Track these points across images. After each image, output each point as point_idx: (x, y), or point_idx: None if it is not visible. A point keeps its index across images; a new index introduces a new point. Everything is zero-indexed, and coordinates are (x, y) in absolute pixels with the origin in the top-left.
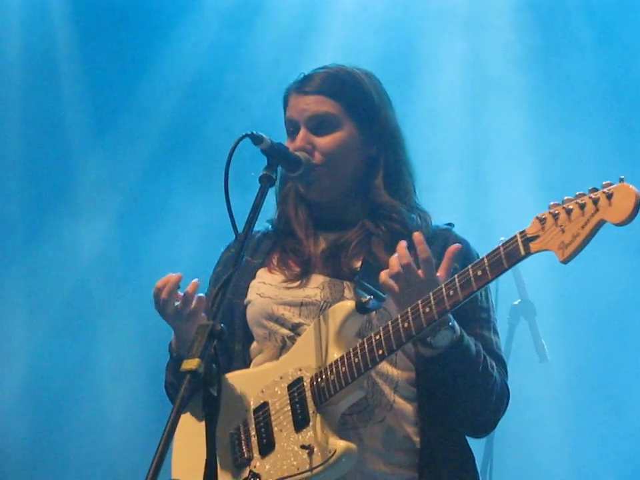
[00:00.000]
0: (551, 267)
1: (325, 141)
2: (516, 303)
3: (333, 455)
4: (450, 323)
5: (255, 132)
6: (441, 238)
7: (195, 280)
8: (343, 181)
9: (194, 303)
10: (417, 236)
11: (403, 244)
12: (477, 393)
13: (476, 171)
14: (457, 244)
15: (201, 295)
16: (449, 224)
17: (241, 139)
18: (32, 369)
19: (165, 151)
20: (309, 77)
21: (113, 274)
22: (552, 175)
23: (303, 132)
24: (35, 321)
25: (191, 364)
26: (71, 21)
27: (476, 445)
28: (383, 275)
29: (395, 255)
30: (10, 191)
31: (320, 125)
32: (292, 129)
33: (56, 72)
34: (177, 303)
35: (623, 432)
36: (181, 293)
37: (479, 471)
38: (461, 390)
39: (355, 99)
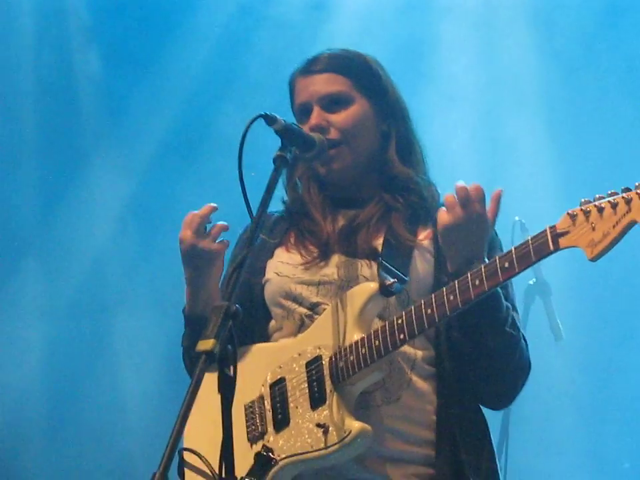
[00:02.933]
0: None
1: (340, 117)
2: (531, 282)
3: (347, 435)
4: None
5: (267, 112)
6: None
7: (223, 222)
8: (361, 156)
9: (217, 241)
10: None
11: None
12: (503, 344)
13: (491, 152)
14: (499, 188)
15: (225, 240)
16: None
17: (254, 120)
18: (48, 355)
19: (176, 143)
20: (314, 58)
21: (127, 258)
22: (571, 169)
23: (316, 110)
24: (50, 306)
25: (206, 344)
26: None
27: (492, 425)
28: (449, 197)
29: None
30: (26, 179)
31: (333, 102)
32: (304, 112)
33: (70, 69)
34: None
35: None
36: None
37: (495, 450)
38: (489, 338)
39: (364, 74)
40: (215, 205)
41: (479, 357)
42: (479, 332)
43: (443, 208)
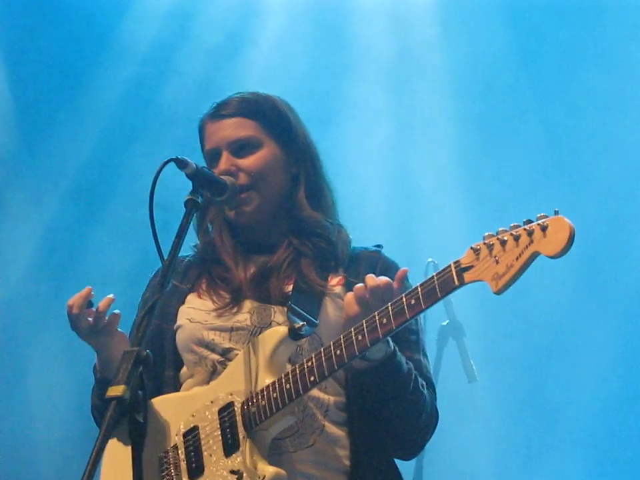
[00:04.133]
0: (478, 287)
1: (248, 162)
2: (444, 323)
3: None
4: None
5: (179, 156)
6: (369, 259)
7: (110, 295)
8: (270, 199)
9: (106, 318)
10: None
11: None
12: (407, 410)
13: (404, 195)
14: (404, 268)
15: (116, 311)
16: (378, 246)
17: (165, 164)
18: None
19: (87, 187)
20: (224, 102)
21: (39, 297)
22: (480, 201)
23: (225, 156)
24: None
25: (116, 390)
26: None
27: (405, 469)
28: (349, 296)
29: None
30: None
31: (242, 146)
32: (214, 157)
33: None
34: (89, 319)
35: (553, 451)
36: (93, 309)
37: None
38: (391, 406)
39: (273, 118)
40: (91, 291)
41: (383, 418)
42: (381, 402)
43: (350, 294)
